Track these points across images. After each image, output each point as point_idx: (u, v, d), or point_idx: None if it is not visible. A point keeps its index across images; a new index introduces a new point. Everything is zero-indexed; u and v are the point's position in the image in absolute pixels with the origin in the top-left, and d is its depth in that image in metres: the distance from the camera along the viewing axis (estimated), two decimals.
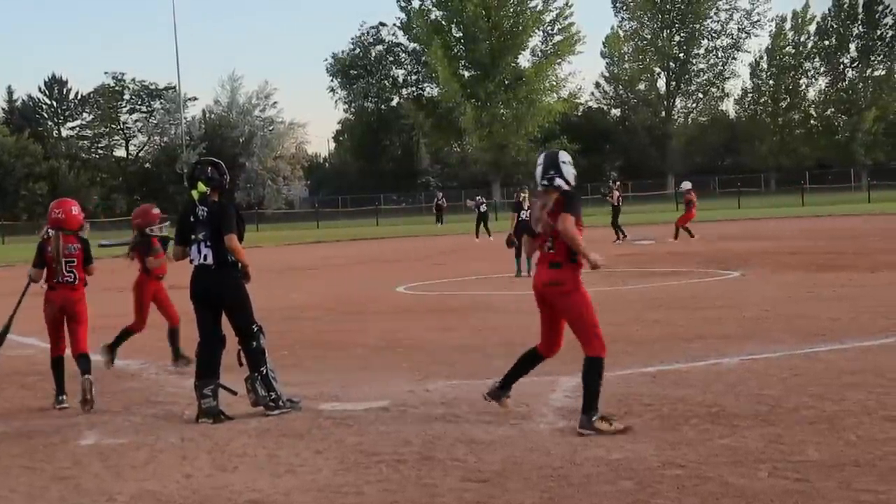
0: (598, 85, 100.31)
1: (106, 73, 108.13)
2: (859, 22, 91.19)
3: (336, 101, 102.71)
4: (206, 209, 7.97)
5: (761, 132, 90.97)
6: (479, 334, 11.83)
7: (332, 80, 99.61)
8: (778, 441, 6.34)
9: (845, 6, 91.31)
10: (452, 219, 58.72)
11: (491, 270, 21.92)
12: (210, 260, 7.88)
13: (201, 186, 7.99)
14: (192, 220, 8.02)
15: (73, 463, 6.64)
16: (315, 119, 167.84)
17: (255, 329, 7.95)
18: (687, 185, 31.97)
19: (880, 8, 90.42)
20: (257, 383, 7.88)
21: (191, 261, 8.07)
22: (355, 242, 41.88)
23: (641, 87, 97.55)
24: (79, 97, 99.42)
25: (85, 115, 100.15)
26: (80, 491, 6.00)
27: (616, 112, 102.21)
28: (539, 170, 7.09)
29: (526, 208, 19.00)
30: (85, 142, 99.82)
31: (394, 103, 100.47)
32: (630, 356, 9.76)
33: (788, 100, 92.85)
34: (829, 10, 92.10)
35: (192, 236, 7.99)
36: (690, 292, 15.76)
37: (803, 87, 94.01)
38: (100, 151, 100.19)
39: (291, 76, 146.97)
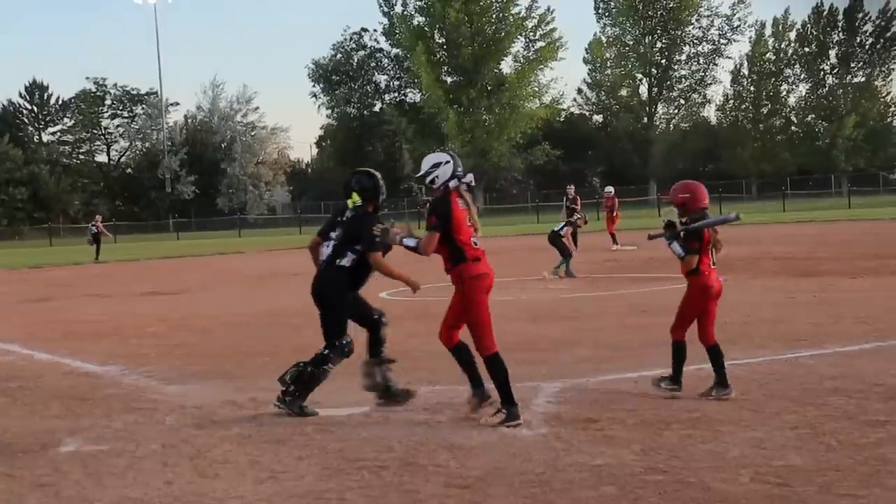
0: (580, 91, 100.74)
1: (87, 78, 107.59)
2: (839, 29, 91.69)
3: (318, 107, 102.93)
4: (351, 213, 8.12)
5: (742, 138, 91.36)
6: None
7: (314, 86, 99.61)
8: (759, 446, 6.36)
9: (825, 13, 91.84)
10: None
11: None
12: (325, 256, 8.05)
13: (355, 197, 8.09)
14: (338, 219, 8.19)
15: (53, 470, 6.58)
16: (297, 124, 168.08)
17: (327, 352, 8.02)
18: (610, 189, 33.36)
19: (860, 15, 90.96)
20: (292, 373, 8.04)
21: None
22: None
23: (623, 93, 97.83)
24: (60, 102, 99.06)
25: (66, 120, 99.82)
26: (60, 498, 5.95)
27: (598, 118, 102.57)
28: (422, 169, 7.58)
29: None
30: (66, 147, 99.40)
31: (376, 109, 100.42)
32: (613, 362, 9.80)
33: (769, 106, 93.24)
34: (809, 16, 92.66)
35: (331, 234, 8.14)
36: (673, 298, 15.64)
37: (784, 93, 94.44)
38: (81, 157, 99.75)
39: (273, 81, 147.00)
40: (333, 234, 8.09)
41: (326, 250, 8.09)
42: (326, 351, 8.01)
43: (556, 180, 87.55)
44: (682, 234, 7.93)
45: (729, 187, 68.44)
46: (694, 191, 8.03)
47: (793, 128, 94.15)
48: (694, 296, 8.12)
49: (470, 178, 7.58)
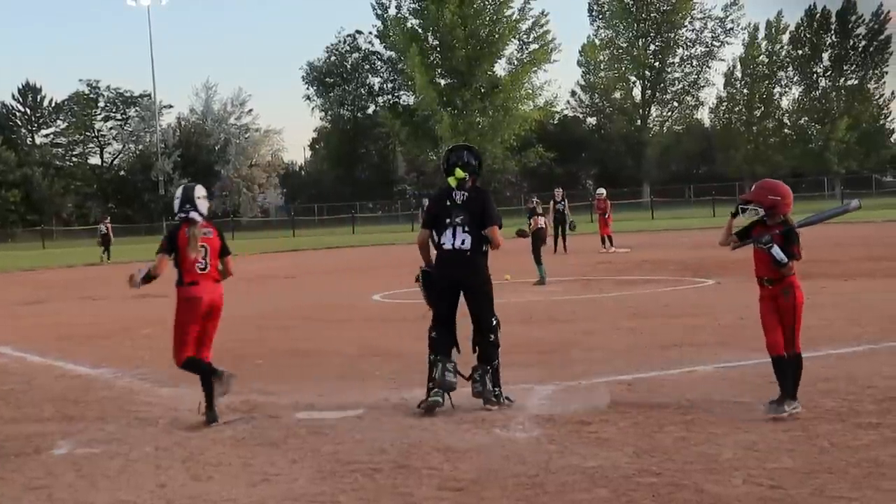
0: (573, 93, 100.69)
1: (80, 80, 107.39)
2: (832, 31, 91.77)
3: (312, 109, 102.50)
4: (464, 193, 7.93)
5: (736, 141, 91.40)
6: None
7: (307, 88, 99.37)
8: (753, 448, 6.37)
9: (818, 16, 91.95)
10: None
11: None
12: (468, 245, 7.86)
13: (459, 172, 7.97)
14: (447, 203, 7.96)
15: (46, 473, 6.57)
16: (291, 127, 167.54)
17: (494, 322, 7.95)
18: (602, 191, 33.30)
19: (853, 18, 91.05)
20: (487, 376, 7.88)
21: (440, 245, 8.01)
22: (331, 251, 41.80)
23: (617, 95, 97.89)
24: (53, 104, 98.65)
25: (59, 122, 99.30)
26: (54, 501, 5.96)
27: (592, 120, 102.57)
28: (176, 203, 8.08)
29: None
30: (59, 149, 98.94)
31: (370, 111, 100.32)
32: (606, 364, 9.80)
33: (762, 108, 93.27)
34: (802, 19, 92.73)
35: (447, 220, 7.93)
36: (666, 300, 15.81)
37: (777, 95, 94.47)
38: (74, 159, 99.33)
39: (267, 84, 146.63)
40: (458, 220, 7.86)
41: (457, 238, 7.88)
42: (492, 336, 7.95)
43: (550, 182, 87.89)
44: (786, 236, 7.55)
45: (722, 190, 68.47)
46: (785, 194, 7.63)
47: (786, 130, 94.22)
48: (798, 303, 7.64)
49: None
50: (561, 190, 30.95)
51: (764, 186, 7.73)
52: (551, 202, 30.21)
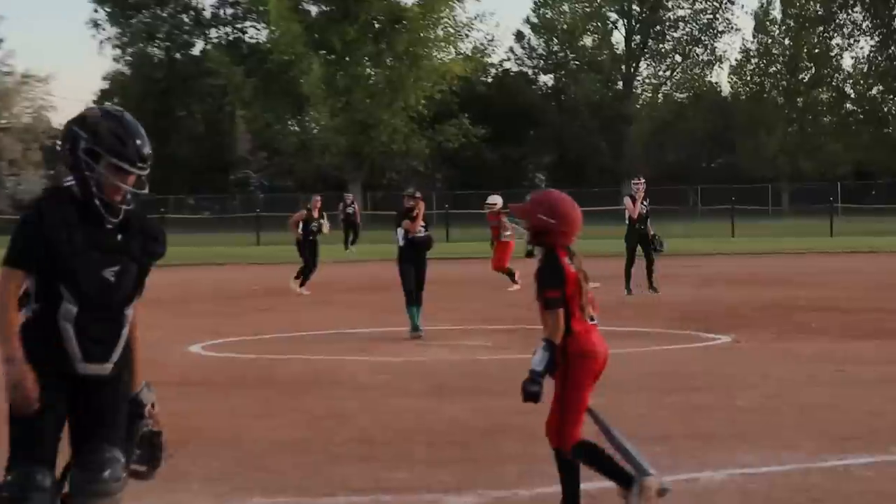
0: (520, 36, 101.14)
1: None
2: None
3: (101, 44, 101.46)
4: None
5: (770, 118, 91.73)
6: (319, 424, 11.81)
7: (96, 10, 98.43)
8: None
9: None
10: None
11: (354, 319, 21.98)
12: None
13: None
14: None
15: None
16: (67, 71, 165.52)
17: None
18: (496, 199, 32.38)
19: None
20: None
21: None
22: None
23: (588, 41, 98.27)
24: None
25: None
26: None
27: (547, 80, 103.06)
28: None
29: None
30: None
31: (195, 51, 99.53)
32: (550, 461, 9.77)
33: (812, 70, 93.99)
34: None
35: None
36: (655, 366, 15.84)
37: (836, 51, 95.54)
38: None
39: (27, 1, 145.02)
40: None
41: None
42: None
43: (480, 173, 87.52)
44: (538, 272, 7.94)
45: (746, 194, 69.36)
46: (567, 218, 7.99)
47: (848, 105, 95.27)
48: (567, 379, 8.06)
49: None
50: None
51: (540, 200, 8.09)
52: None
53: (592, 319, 8.11)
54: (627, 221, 28.29)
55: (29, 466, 6.44)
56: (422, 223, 20.46)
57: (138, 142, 6.67)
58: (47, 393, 6.43)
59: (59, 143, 6.76)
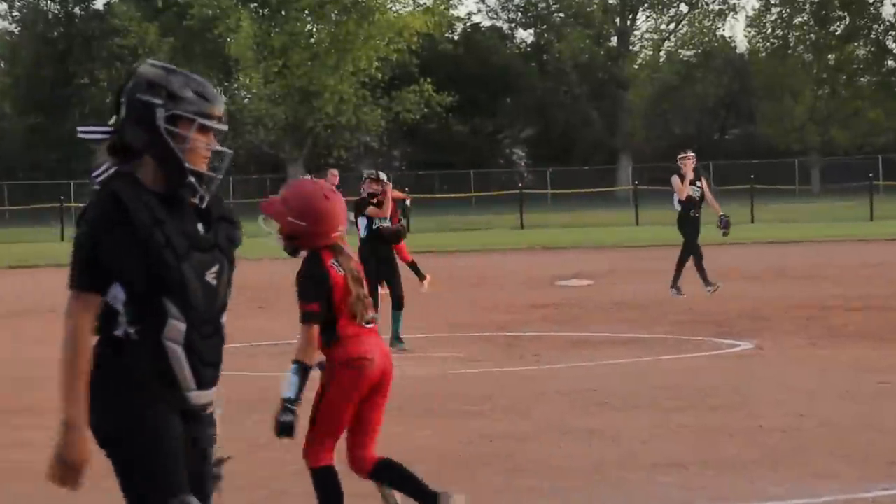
0: None
1: None
2: None
3: None
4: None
5: (795, 80, 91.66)
6: (262, 454, 11.74)
7: None
8: None
9: None
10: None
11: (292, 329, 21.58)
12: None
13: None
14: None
15: None
16: None
17: None
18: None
19: None
20: None
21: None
22: (20, 273, 41.84)
23: None
24: None
25: None
26: None
27: (526, 35, 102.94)
28: None
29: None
30: None
31: (98, 4, 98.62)
32: (544, 499, 9.92)
33: (847, 21, 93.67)
34: None
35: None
36: (662, 379, 16.04)
37: None
38: None
39: None
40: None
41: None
42: None
43: (445, 151, 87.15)
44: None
45: (768, 171, 69.11)
46: (318, 217, 8.14)
47: (890, 62, 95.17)
48: (339, 382, 8.38)
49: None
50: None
51: (287, 199, 8.28)
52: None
53: (369, 323, 8.34)
54: (678, 206, 27.78)
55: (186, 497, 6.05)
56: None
57: (215, 91, 6.00)
58: (171, 419, 6.01)
59: (92, 127, 5.78)
